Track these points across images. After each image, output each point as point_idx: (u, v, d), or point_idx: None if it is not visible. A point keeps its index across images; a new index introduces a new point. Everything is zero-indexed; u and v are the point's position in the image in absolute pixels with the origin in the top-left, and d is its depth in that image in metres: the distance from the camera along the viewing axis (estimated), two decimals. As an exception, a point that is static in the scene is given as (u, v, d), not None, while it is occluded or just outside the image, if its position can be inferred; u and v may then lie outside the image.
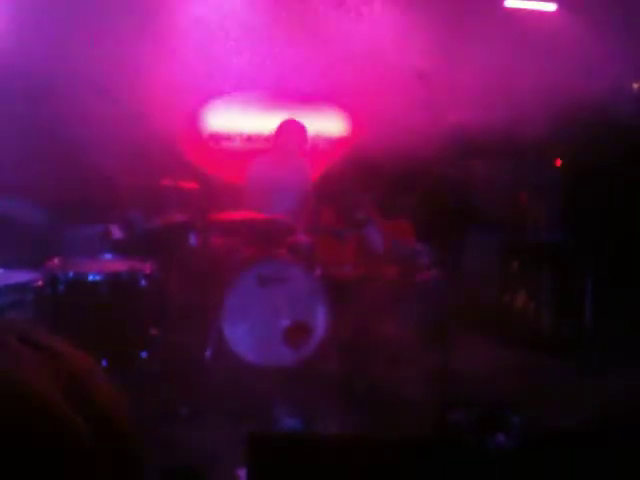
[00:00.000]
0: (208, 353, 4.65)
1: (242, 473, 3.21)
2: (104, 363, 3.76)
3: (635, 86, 6.49)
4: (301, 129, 5.38)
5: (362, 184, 4.71)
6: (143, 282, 3.90)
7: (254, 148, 5.97)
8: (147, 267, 3.95)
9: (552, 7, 6.40)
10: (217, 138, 6.01)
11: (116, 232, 4.51)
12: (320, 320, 4.74)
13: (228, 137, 6.02)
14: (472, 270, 5.63)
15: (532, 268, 5.63)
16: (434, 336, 4.44)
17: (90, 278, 3.79)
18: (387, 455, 3.63)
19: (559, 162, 5.73)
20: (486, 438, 3.80)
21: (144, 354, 3.88)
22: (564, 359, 5.01)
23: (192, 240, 4.54)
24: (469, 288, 5.35)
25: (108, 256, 4.18)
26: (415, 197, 5.18)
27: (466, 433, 3.89)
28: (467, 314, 5.19)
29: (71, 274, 3.79)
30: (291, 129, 5.36)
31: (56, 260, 3.95)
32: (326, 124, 6.18)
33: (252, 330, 4.69)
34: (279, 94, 5.97)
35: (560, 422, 3.98)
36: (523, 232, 5.73)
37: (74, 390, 0.78)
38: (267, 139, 5.82)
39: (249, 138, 6.05)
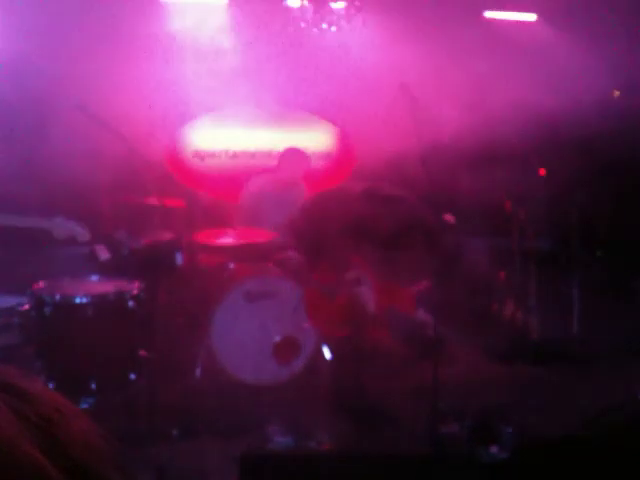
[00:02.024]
0: (198, 371, 4.63)
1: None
2: (93, 386, 3.74)
3: (615, 94, 6.56)
4: (305, 159, 5.41)
5: (355, 241, 4.56)
6: (131, 303, 3.87)
7: (239, 165, 5.97)
8: (134, 288, 3.93)
9: (532, 17, 6.46)
10: (202, 155, 6.00)
11: (102, 252, 4.48)
12: (309, 335, 4.74)
13: (213, 154, 6.02)
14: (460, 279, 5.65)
15: (519, 276, 5.64)
16: (424, 347, 4.44)
17: (77, 301, 3.76)
18: (380, 470, 3.62)
19: (543, 171, 5.76)
20: (479, 450, 3.81)
21: (133, 376, 3.85)
22: (552, 367, 5.03)
23: (178, 259, 4.52)
24: (457, 297, 5.37)
25: (95, 277, 4.15)
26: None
27: (459, 445, 3.89)
28: (456, 324, 5.20)
29: (58, 297, 3.77)
30: (295, 158, 5.38)
31: (42, 283, 3.92)
32: (312, 139, 6.19)
33: (241, 347, 4.67)
34: (263, 110, 5.98)
35: (550, 430, 3.99)
36: (509, 240, 5.75)
37: (45, 436, 0.76)
38: (249, 158, 5.84)
39: (234, 155, 6.05)
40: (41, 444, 0.74)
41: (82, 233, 3.49)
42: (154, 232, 4.72)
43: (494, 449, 3.80)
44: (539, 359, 5.14)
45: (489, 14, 6.44)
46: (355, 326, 4.40)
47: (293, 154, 5.42)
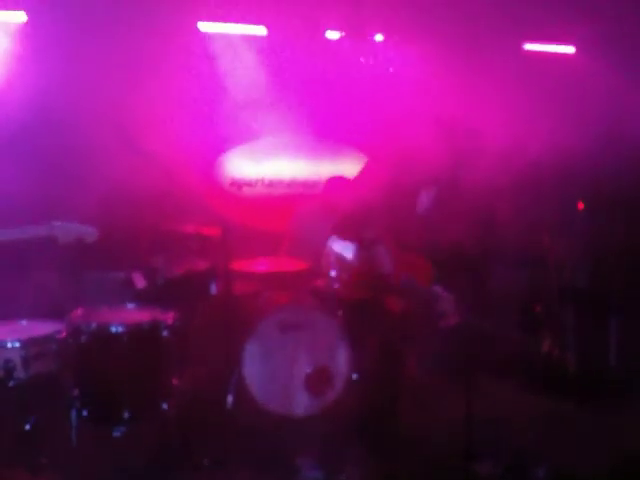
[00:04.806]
0: (229, 400, 4.63)
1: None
2: (126, 414, 3.77)
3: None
4: (349, 186, 5.47)
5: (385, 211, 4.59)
6: (165, 333, 3.91)
7: (275, 193, 6.02)
8: (169, 317, 3.96)
9: (570, 50, 6.42)
10: (239, 184, 6.07)
11: (139, 280, 4.54)
12: (342, 365, 4.71)
13: (249, 183, 6.08)
14: (495, 312, 5.59)
15: (556, 311, 5.56)
16: (458, 382, 4.38)
17: (113, 330, 3.81)
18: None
19: (581, 205, 5.70)
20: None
21: (165, 405, 3.87)
22: (589, 403, 4.93)
23: (213, 288, 4.55)
24: (492, 331, 5.31)
25: (131, 305, 4.20)
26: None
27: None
28: (491, 358, 5.13)
29: (94, 325, 3.82)
30: (339, 185, 5.45)
31: (79, 311, 3.98)
32: (345, 166, 6.23)
33: (273, 377, 4.66)
34: (299, 140, 6.03)
35: (584, 470, 3.90)
36: (546, 274, 5.68)
37: None
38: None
39: (270, 184, 6.10)
40: None
41: (89, 233, 3.45)
42: (190, 261, 4.77)
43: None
44: (576, 394, 5.04)
45: (528, 46, 6.41)
46: (371, 288, 4.38)
47: (338, 181, 5.49)
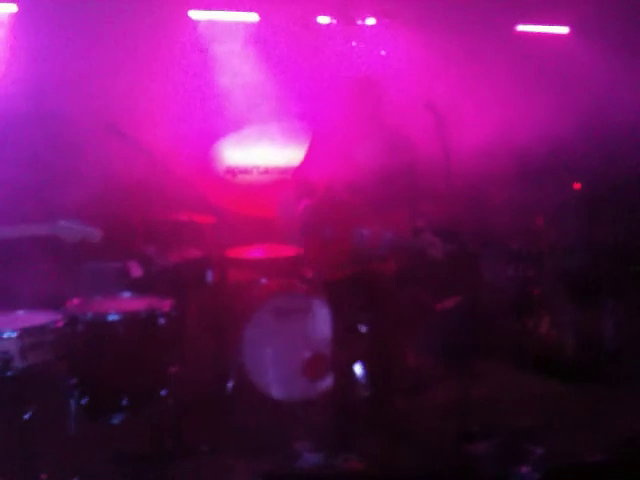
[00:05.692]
0: (228, 387, 4.66)
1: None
2: (124, 402, 3.79)
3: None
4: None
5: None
6: (162, 320, 3.91)
7: (270, 180, 6.01)
8: (165, 305, 3.97)
9: (564, 30, 6.40)
10: (233, 172, 6.07)
11: (134, 269, 4.55)
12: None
13: (244, 170, 6.08)
14: (492, 296, 5.60)
15: (553, 294, 5.58)
16: (454, 364, 4.40)
17: (109, 318, 3.82)
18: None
19: (577, 185, 5.69)
20: (508, 470, 3.76)
21: (163, 392, 3.89)
22: (586, 385, 4.95)
23: (209, 276, 4.56)
24: (489, 315, 5.32)
25: (127, 294, 4.21)
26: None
27: (487, 465, 3.85)
28: (488, 341, 5.15)
29: (90, 314, 3.83)
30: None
31: (75, 300, 3.99)
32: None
33: (271, 363, 4.69)
34: (293, 126, 6.02)
35: (582, 452, 3.92)
36: (541, 257, 5.69)
37: None
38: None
39: (265, 171, 6.10)
40: None
41: (92, 232, 3.46)
42: (184, 249, 4.78)
43: (525, 470, 3.75)
44: (572, 377, 5.07)
45: (521, 27, 6.39)
46: (355, 263, 4.11)
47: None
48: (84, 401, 3.76)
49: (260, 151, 6.07)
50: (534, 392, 4.93)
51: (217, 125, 5.87)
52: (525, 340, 5.59)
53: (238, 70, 5.65)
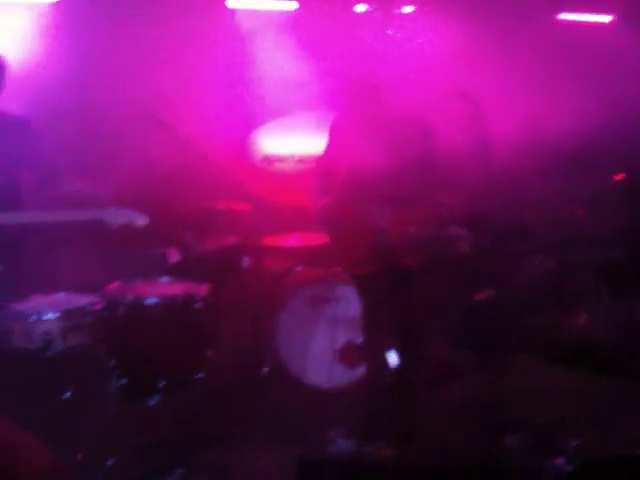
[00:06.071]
0: (264, 371, 4.70)
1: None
2: (161, 384, 3.85)
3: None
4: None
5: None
6: (198, 305, 3.97)
7: (305, 169, 6.03)
8: (202, 290, 4.03)
9: (608, 19, 6.28)
10: (270, 160, 6.10)
11: (172, 255, 4.61)
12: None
13: (280, 159, 6.11)
14: (527, 289, 5.54)
15: (591, 287, 5.50)
16: (487, 357, 4.37)
17: (147, 302, 3.88)
18: None
19: (619, 176, 5.59)
20: (542, 463, 3.73)
21: (200, 375, 3.95)
22: (623, 379, 4.88)
23: (245, 262, 4.60)
24: (522, 308, 5.26)
25: (165, 279, 4.27)
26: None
27: (521, 457, 3.82)
28: (521, 334, 5.10)
29: (129, 297, 3.90)
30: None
31: (115, 284, 4.06)
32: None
33: (306, 350, 4.72)
34: (329, 116, 6.02)
35: (617, 445, 3.88)
36: (581, 249, 5.61)
37: None
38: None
39: (301, 160, 6.12)
40: None
41: (139, 217, 3.50)
42: (221, 236, 4.82)
43: (558, 462, 3.72)
44: (608, 371, 4.99)
45: (563, 16, 6.29)
46: (379, 260, 4.00)
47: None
48: (122, 383, 3.84)
49: (296, 140, 6.10)
50: (569, 386, 4.87)
51: (254, 114, 5.91)
52: (561, 334, 5.52)
53: (274, 59, 5.66)
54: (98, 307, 3.81)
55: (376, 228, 3.98)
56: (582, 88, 5.45)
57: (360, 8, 5.75)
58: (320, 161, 4.25)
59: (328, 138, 4.25)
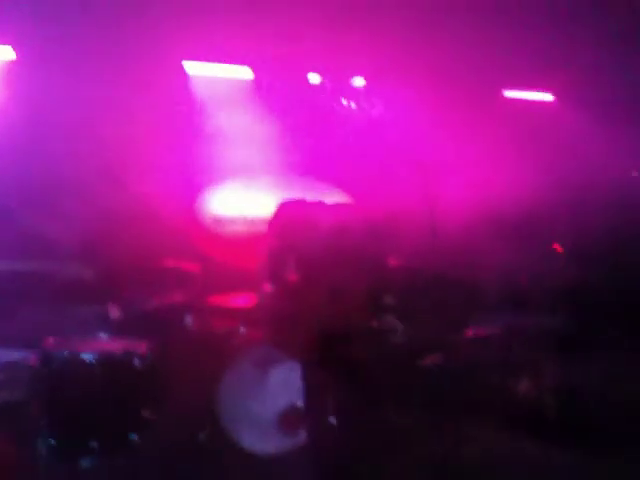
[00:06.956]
0: (202, 436, 4.59)
1: None
2: (94, 445, 3.74)
3: (634, 174, 6.58)
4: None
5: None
6: (137, 363, 3.91)
7: (254, 231, 6.07)
8: (141, 347, 3.97)
9: (549, 97, 6.58)
10: (220, 221, 6.13)
11: (114, 311, 4.55)
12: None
13: (231, 220, 6.15)
14: (475, 355, 5.57)
15: (534, 353, 5.55)
16: (437, 424, 4.35)
17: (84, 358, 3.81)
18: None
19: (559, 247, 5.75)
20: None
21: (134, 436, 3.84)
22: (567, 448, 4.88)
23: (189, 321, 4.56)
24: (471, 373, 5.28)
25: (104, 335, 4.21)
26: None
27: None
28: (469, 400, 5.10)
29: (65, 353, 3.82)
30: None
31: (52, 339, 3.98)
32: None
33: (247, 413, 4.64)
34: (280, 178, 6.12)
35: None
36: (524, 315, 5.68)
37: None
38: None
39: (252, 221, 6.16)
40: None
41: (83, 271, 3.44)
42: (167, 294, 4.78)
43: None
44: (554, 438, 4.99)
45: (508, 93, 6.57)
46: (322, 346, 4.12)
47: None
48: (52, 441, 3.72)
49: (247, 202, 6.16)
50: (516, 453, 4.85)
51: (206, 175, 5.97)
52: (507, 400, 5.53)
53: (229, 123, 5.78)
54: (32, 362, 3.72)
55: (317, 316, 4.04)
56: (525, 159, 5.65)
57: (314, 78, 5.93)
58: (266, 248, 4.32)
59: (276, 227, 4.32)
